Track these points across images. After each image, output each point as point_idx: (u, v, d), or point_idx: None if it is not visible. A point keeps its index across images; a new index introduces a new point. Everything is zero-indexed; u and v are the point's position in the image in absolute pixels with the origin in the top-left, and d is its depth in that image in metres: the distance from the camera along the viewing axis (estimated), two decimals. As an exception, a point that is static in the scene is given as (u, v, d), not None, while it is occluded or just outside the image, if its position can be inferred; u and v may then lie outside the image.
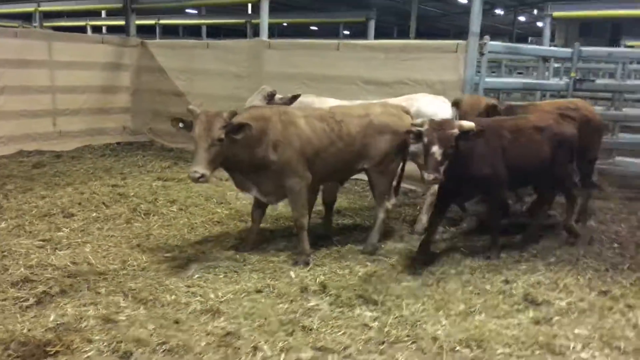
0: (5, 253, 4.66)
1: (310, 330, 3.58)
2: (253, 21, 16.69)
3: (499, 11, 27.92)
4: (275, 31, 25.69)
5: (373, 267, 4.72)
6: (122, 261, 4.65)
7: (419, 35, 20.59)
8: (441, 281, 4.43)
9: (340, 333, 3.55)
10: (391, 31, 30.84)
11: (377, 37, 14.86)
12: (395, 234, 5.67)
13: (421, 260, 4.79)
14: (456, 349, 3.43)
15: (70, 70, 9.79)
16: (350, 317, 3.78)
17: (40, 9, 15.26)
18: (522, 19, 31.55)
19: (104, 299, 3.89)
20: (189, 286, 4.20)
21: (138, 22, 12.09)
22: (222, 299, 3.99)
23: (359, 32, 29.23)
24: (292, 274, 4.51)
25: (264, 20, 9.18)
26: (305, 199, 4.86)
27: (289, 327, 3.60)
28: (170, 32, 23.61)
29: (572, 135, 5.24)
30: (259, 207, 5.09)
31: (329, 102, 5.73)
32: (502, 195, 5.22)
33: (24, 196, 6.46)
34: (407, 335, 3.54)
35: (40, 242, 4.97)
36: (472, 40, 6.72)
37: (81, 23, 20.04)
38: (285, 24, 24.04)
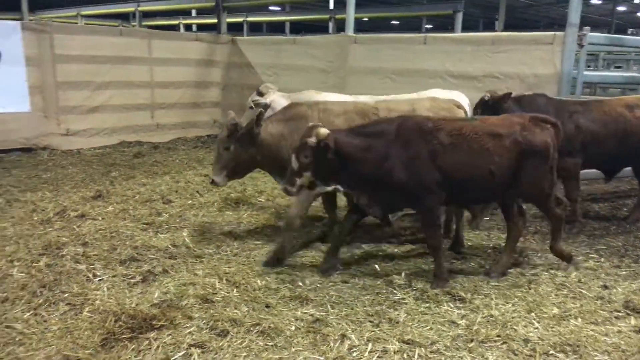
0: (113, 234, 5.08)
1: (397, 323, 3.60)
2: (337, 17, 16.82)
3: (595, 1, 26.16)
4: (355, 26, 25.62)
5: (460, 265, 4.66)
6: (216, 246, 4.92)
7: (507, 27, 19.76)
8: (532, 282, 4.28)
9: (427, 328, 3.54)
10: (476, 24, 29.83)
11: (462, 30, 14.49)
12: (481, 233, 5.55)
13: (326, 269, 4.41)
14: (550, 352, 3.31)
15: (167, 66, 10.42)
16: (437, 313, 3.76)
17: (140, 8, 16.28)
18: (621, 8, 29.36)
19: (201, 280, 4.13)
20: (278, 273, 4.37)
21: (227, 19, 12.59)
22: (310, 287, 4.12)
23: (441, 25, 28.63)
24: (376, 266, 4.55)
25: (350, 15, 9.24)
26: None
27: (375, 319, 3.65)
28: (255, 29, 24.30)
29: (542, 145, 4.22)
30: None
31: (330, 97, 5.35)
32: (432, 209, 4.20)
33: (127, 183, 7.00)
34: (498, 335, 3.46)
35: (143, 225, 5.37)
36: (570, 31, 6.40)
37: (174, 22, 21.15)
38: (365, 19, 23.96)
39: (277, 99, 5.61)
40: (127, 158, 8.72)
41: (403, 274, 4.33)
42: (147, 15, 18.99)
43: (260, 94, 5.72)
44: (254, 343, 3.31)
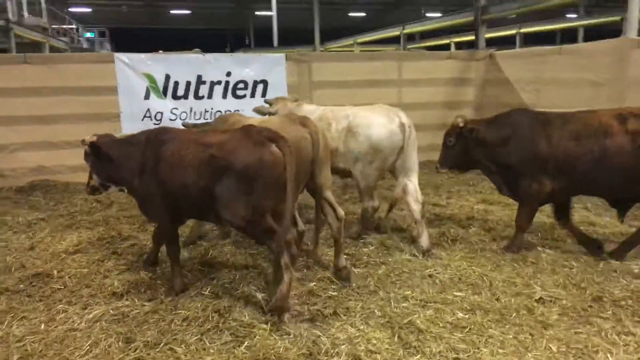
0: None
1: None
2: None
3: None
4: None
5: None
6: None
7: None
8: None
9: None
10: None
11: None
12: None
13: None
14: None
15: (416, 87, 10.17)
16: None
17: (405, 31, 16.62)
18: None
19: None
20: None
21: (497, 34, 11.67)
22: None
23: None
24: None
25: (634, 13, 7.36)
26: None
27: None
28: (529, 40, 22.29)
29: (242, 165, 3.73)
30: None
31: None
32: (162, 220, 4.35)
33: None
34: None
35: (346, 256, 5.14)
36: None
37: (445, 41, 20.98)
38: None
39: (283, 109, 5.81)
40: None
41: None
42: (422, 37, 19.28)
43: (269, 104, 6.12)
44: None
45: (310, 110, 5.70)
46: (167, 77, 8.91)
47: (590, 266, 4.91)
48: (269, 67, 9.46)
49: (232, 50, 31.01)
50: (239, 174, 3.77)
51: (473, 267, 4.91)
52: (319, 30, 20.40)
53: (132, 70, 8.77)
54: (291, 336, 3.64)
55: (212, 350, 3.50)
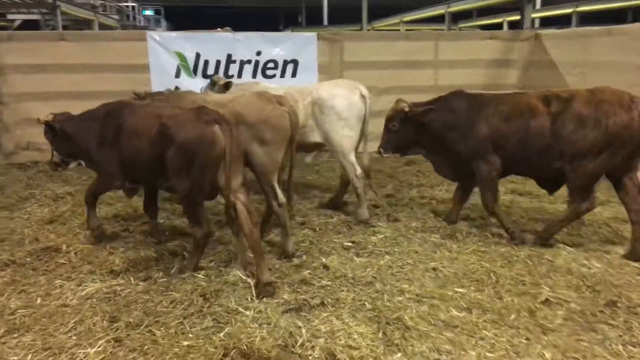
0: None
1: None
2: None
3: None
4: None
5: None
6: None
7: None
8: None
9: None
10: None
11: None
12: None
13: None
14: None
15: (453, 69, 9.71)
16: None
17: (449, 9, 15.92)
18: None
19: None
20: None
21: (551, 12, 10.94)
22: None
23: None
24: None
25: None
26: None
27: None
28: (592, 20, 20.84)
29: (183, 141, 4.01)
30: None
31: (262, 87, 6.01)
32: (107, 180, 4.79)
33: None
34: None
35: (351, 244, 5.01)
36: None
37: (498, 20, 19.98)
38: None
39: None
40: (396, 165, 8.50)
41: None
42: (468, 16, 18.47)
43: (213, 84, 6.57)
44: None
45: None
46: (198, 56, 8.94)
47: (612, 267, 4.55)
48: (299, 46, 9.29)
49: (285, 29, 30.97)
50: (180, 146, 4.04)
51: (482, 262, 4.66)
52: (367, 9, 19.90)
53: (164, 48, 8.85)
54: (271, 325, 3.57)
55: (190, 335, 3.48)
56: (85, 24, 16.86)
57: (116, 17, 21.76)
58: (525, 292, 4.12)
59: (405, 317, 3.69)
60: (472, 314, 3.79)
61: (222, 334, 3.49)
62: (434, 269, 4.55)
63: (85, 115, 4.90)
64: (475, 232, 5.44)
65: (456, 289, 4.17)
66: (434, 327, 3.62)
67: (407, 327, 3.58)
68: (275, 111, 4.51)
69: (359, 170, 5.71)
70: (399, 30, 18.59)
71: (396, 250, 4.95)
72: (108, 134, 4.52)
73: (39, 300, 3.95)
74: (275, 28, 32.45)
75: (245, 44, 9.09)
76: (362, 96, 5.79)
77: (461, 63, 9.73)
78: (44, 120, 4.86)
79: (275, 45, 9.22)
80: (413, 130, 5.41)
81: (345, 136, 5.70)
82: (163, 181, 4.39)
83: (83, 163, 5.07)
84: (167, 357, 3.24)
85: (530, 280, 4.32)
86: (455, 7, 15.68)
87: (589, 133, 4.60)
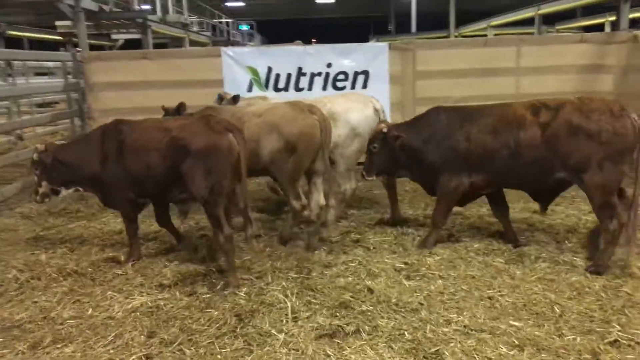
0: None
1: None
2: None
3: None
4: None
5: None
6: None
7: None
8: None
9: None
10: None
11: None
12: None
13: None
14: None
15: (537, 75, 9.02)
16: None
17: (539, 12, 14.90)
18: None
19: None
20: None
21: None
22: None
23: None
24: None
25: None
26: None
27: None
28: None
29: (199, 148, 4.25)
30: None
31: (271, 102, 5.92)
32: (122, 202, 4.88)
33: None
34: None
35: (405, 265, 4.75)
36: None
37: (599, 20, 18.40)
38: None
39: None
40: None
41: None
42: (561, 17, 17.20)
43: (221, 99, 6.70)
44: None
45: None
46: (269, 70, 9.07)
47: None
48: (370, 57, 9.11)
49: (375, 37, 30.93)
50: (197, 155, 4.26)
51: (547, 292, 4.21)
52: (454, 15, 19.27)
53: (237, 63, 9.09)
54: (299, 352, 3.44)
55: (219, 357, 3.45)
56: (178, 42, 17.90)
57: (207, 33, 22.90)
58: (591, 330, 3.64)
59: (446, 352, 3.39)
60: (523, 352, 3.40)
61: (249, 357, 3.42)
62: (489, 297, 4.17)
63: (81, 139, 5.23)
64: (546, 256, 4.94)
65: (511, 322, 3.78)
66: (476, 365, 3.29)
67: (445, 364, 3.29)
68: (307, 120, 4.69)
69: (354, 185, 5.84)
70: (486, 35, 17.75)
71: (451, 274, 4.62)
72: (110, 153, 4.67)
73: (89, 311, 4.13)
74: (365, 38, 32.52)
75: (315, 57, 9.09)
76: (376, 110, 5.82)
77: (547, 69, 9.01)
78: (40, 150, 4.96)
79: (346, 56, 9.12)
80: (394, 151, 5.28)
81: (355, 151, 5.75)
82: (177, 193, 4.59)
83: (81, 189, 5.17)
84: (192, 378, 3.23)
85: (600, 316, 3.82)
86: (546, 9, 14.63)
87: (582, 143, 4.48)
